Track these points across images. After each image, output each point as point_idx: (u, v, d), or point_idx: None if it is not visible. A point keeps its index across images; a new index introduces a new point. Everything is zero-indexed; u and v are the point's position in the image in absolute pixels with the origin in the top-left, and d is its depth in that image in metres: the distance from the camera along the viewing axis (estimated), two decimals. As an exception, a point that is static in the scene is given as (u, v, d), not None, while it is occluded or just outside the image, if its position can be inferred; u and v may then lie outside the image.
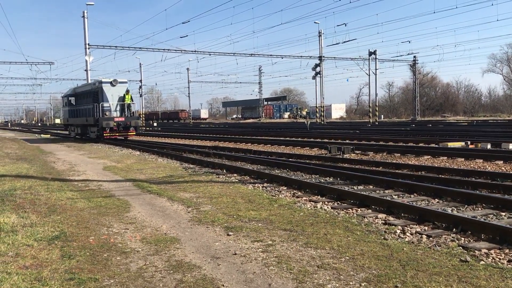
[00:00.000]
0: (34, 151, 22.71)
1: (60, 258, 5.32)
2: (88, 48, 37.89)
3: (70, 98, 34.08)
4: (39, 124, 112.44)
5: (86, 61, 38.49)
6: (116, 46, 40.77)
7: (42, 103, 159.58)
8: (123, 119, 28.01)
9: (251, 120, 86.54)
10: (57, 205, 8.51)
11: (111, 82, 27.92)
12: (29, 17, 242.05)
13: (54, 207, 8.32)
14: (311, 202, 8.40)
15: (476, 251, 5.22)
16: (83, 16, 37.50)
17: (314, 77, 53.87)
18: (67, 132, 40.44)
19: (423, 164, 12.97)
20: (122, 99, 28.37)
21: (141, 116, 66.41)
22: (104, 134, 27.43)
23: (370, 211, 7.62)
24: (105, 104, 27.83)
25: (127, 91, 28.73)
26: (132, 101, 29.13)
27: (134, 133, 29.24)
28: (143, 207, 8.28)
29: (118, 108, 28.31)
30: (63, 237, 6.25)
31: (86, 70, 39.31)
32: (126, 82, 29.21)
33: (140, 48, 42.57)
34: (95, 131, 28.69)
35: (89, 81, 41.29)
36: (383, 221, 6.82)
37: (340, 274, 4.60)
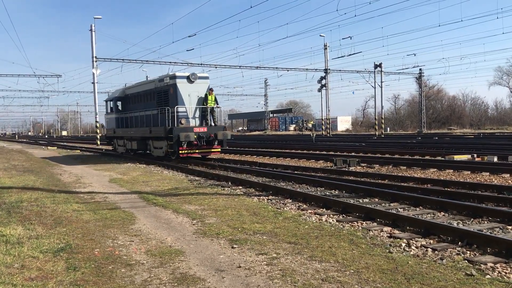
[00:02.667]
0: (40, 163, 22.83)
1: (65, 270, 5.34)
2: (96, 61, 38.20)
3: (117, 102, 26.66)
4: (46, 136, 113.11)
5: (93, 74, 38.77)
6: (123, 59, 41.10)
7: (49, 115, 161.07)
8: (205, 129, 20.02)
9: (256, 132, 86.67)
10: (63, 217, 8.55)
11: (188, 77, 20.21)
12: (37, 31, 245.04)
13: (60, 219, 8.36)
14: (316, 215, 8.38)
15: (481, 265, 5.19)
16: (91, 30, 37.90)
17: (319, 90, 54.00)
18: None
19: (429, 177, 12.92)
20: (202, 101, 20.52)
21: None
22: (180, 151, 19.51)
23: (375, 224, 7.59)
24: (181, 109, 19.97)
25: (211, 90, 20.66)
26: (217, 104, 21.11)
27: (219, 150, 21.03)
28: (148, 220, 8.30)
29: (197, 114, 20.56)
30: (68, 249, 6.27)
31: (93, 83, 39.61)
32: (207, 78, 21.24)
33: (147, 61, 42.89)
34: (163, 146, 20.89)
35: (96, 92, 41.46)
36: (388, 234, 6.80)
37: (345, 288, 4.58)
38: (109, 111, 28.01)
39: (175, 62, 42.06)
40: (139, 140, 23.58)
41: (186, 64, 41.20)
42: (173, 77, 20.53)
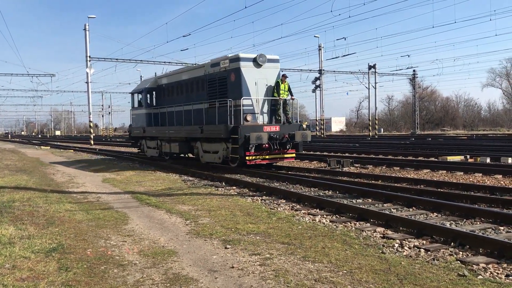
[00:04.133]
0: (33, 163, 22.70)
1: (57, 271, 5.30)
2: (89, 61, 38.05)
3: (148, 94, 21.66)
4: (39, 136, 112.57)
5: (87, 73, 38.63)
6: (117, 59, 40.96)
7: (43, 115, 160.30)
8: (277, 128, 15.63)
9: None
10: (56, 217, 8.50)
11: (254, 60, 15.70)
12: (31, 31, 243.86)
13: (52, 219, 8.31)
14: (310, 215, 8.38)
15: (474, 266, 5.21)
16: (85, 29, 37.75)
17: (314, 90, 54.10)
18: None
19: (422, 178, 12.97)
20: (272, 90, 15.99)
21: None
22: (247, 157, 15.01)
23: (368, 224, 7.60)
24: (246, 101, 15.46)
25: (283, 76, 16.24)
26: (291, 94, 16.58)
27: (294, 156, 16.64)
28: (141, 220, 8.27)
29: (265, 108, 16.01)
30: (60, 249, 6.23)
31: (87, 82, 39.46)
32: (278, 61, 16.57)
33: (141, 60, 42.79)
34: (219, 150, 16.19)
35: (90, 91, 41.19)
36: (382, 235, 6.81)
37: (338, 288, 4.58)
38: (136, 105, 22.80)
39: (169, 62, 41.99)
40: (182, 141, 18.63)
41: (181, 64, 41.12)
42: (236, 59, 15.71)
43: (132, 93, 23.43)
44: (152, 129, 21.15)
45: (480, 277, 4.82)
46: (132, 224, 7.94)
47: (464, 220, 7.64)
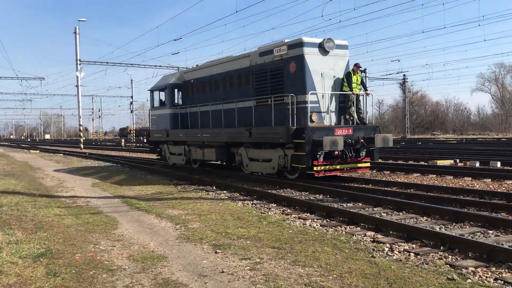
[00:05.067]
0: (22, 167, 22.50)
1: (45, 276, 5.24)
2: (80, 64, 37.85)
3: (173, 91, 18.84)
4: (29, 140, 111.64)
5: (77, 76, 38.40)
6: (107, 62, 40.78)
7: (32, 118, 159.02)
8: (350, 131, 12.85)
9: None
10: (44, 222, 8.42)
11: (320, 45, 12.88)
12: (20, 33, 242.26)
13: (40, 224, 8.23)
14: (300, 220, 8.38)
15: (463, 269, 5.23)
16: (75, 32, 37.56)
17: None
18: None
19: (412, 182, 13.02)
20: (340, 84, 13.31)
21: (132, 132, 66.30)
22: (315, 167, 12.28)
23: (358, 228, 7.61)
24: (311, 97, 12.68)
25: (356, 66, 13.49)
26: (365, 89, 13.95)
27: (369, 165, 13.79)
28: (131, 224, 8.21)
29: (333, 106, 13.23)
30: (49, 254, 6.17)
31: (77, 86, 39.20)
32: (347, 47, 13.72)
33: (131, 64, 42.61)
34: (273, 158, 13.49)
35: (80, 95, 40.94)
36: (372, 239, 6.82)
37: (328, 293, 4.57)
38: (156, 104, 19.94)
39: (160, 66, 41.89)
40: (220, 147, 15.92)
41: (172, 68, 41.03)
42: (298, 44, 12.77)
43: (152, 91, 20.28)
44: (178, 132, 18.18)
45: (469, 280, 4.85)
46: (121, 228, 7.88)
47: (454, 224, 7.67)
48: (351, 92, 13.19)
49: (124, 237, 7.22)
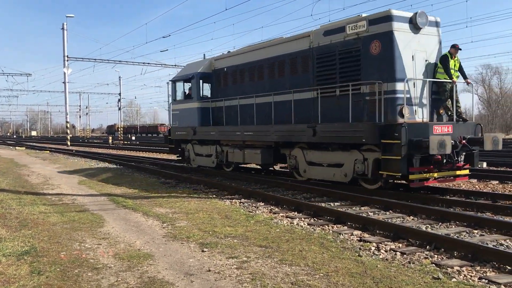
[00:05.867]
0: (7, 164, 22.24)
1: (29, 274, 5.18)
2: (67, 60, 37.52)
3: (202, 81, 16.40)
4: (15, 136, 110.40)
5: (65, 73, 38.07)
6: (95, 59, 40.50)
7: (18, 115, 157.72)
8: (449, 129, 10.32)
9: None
10: (29, 220, 8.32)
11: (411, 20, 10.39)
12: (6, 29, 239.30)
13: (25, 221, 8.13)
14: (288, 218, 8.39)
15: (448, 269, 5.27)
16: (63, 28, 37.21)
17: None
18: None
19: (400, 181, 13.08)
20: (433, 69, 10.78)
21: (119, 129, 65.90)
22: (410, 175, 9.79)
23: (346, 227, 7.64)
24: (401, 86, 9.98)
25: (454, 48, 10.85)
26: (466, 77, 11.34)
27: (468, 173, 11.07)
28: (117, 222, 8.15)
29: (425, 98, 10.61)
30: (33, 252, 6.09)
31: (64, 83, 38.86)
32: (439, 25, 11.08)
33: (120, 61, 42.38)
34: (344, 163, 11.04)
35: (67, 91, 40.55)
36: (358, 238, 6.85)
37: (314, 291, 4.58)
38: (179, 97, 17.51)
39: (148, 63, 41.71)
40: (266, 148, 13.61)
41: (160, 65, 40.88)
42: (385, 18, 10.24)
43: (174, 81, 17.70)
44: (210, 129, 15.60)
45: (454, 279, 4.88)
46: (107, 226, 7.82)
47: (440, 223, 7.73)
48: (451, 81, 10.54)
49: (110, 235, 7.17)
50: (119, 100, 64.14)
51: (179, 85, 17.47)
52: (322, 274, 5.09)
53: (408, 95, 10.12)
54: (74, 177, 15.92)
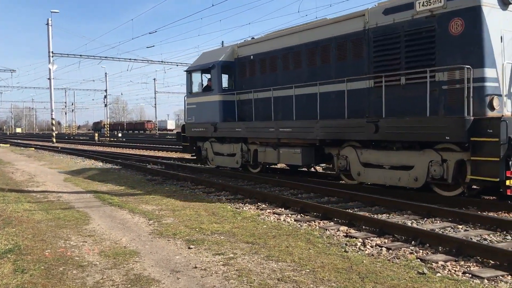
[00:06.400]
0: (-9, 161, 21.93)
1: (12, 273, 5.12)
2: (52, 56, 37.06)
3: (224, 71, 14.77)
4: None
5: (50, 69, 37.60)
6: (81, 55, 40.03)
7: (2, 111, 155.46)
8: None
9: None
10: (13, 217, 8.22)
11: None
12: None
13: (9, 219, 8.03)
14: (275, 215, 8.40)
15: (433, 264, 5.32)
16: (47, 24, 36.74)
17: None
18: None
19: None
20: None
21: (106, 126, 65.38)
22: (508, 180, 7.92)
23: (332, 223, 7.67)
24: (489, 71, 8.62)
25: None
26: None
27: None
28: (103, 220, 8.09)
29: None
30: (17, 250, 6.02)
31: (50, 79, 38.39)
32: None
33: (105, 57, 41.93)
34: (421, 165, 9.22)
35: (53, 88, 40.09)
36: (345, 234, 6.88)
37: (300, 287, 4.59)
38: (196, 89, 15.82)
39: (135, 59, 41.41)
40: (307, 146, 11.84)
41: (147, 61, 40.60)
42: None
43: (190, 72, 15.98)
44: (235, 125, 13.94)
45: (438, 274, 4.93)
46: (93, 224, 7.76)
47: (425, 219, 7.80)
48: None
49: (96, 233, 7.11)
50: (105, 96, 63.57)
51: (196, 76, 15.76)
52: (308, 270, 5.11)
53: (497, 84, 8.76)
54: (59, 174, 15.75)
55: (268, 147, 12.94)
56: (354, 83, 10.61)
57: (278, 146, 12.54)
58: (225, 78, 14.92)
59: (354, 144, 10.62)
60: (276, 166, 14.69)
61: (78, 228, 7.41)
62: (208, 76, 15.17)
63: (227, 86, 15.00)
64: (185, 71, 16.24)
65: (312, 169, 13.87)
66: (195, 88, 15.85)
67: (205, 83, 15.41)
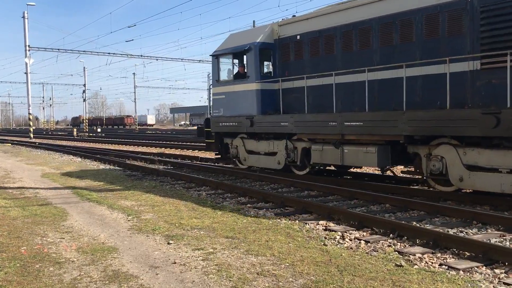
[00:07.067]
0: (-34, 157, 21.45)
1: (-13, 270, 5.01)
2: (29, 50, 36.34)
3: (262, 54, 12.72)
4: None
5: (26, 63, 36.88)
6: (58, 49, 39.39)
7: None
8: None
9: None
10: (-12, 214, 8.05)
11: None
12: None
13: (-16, 216, 7.87)
14: (255, 209, 8.40)
15: (410, 256, 5.39)
16: (23, 17, 35.99)
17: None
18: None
19: (365, 171, 13.31)
20: None
21: (84, 121, 64.53)
22: None
23: (312, 217, 7.71)
24: None
25: None
26: None
27: None
28: (81, 216, 7.98)
29: None
30: (-9, 248, 5.90)
31: (26, 73, 37.66)
32: None
33: (84, 51, 41.34)
34: None
35: (29, 82, 39.31)
36: (324, 227, 6.92)
37: (279, 281, 4.61)
38: (225, 77, 13.79)
39: (114, 53, 40.89)
40: (384, 145, 9.63)
41: (126, 56, 40.14)
42: None
43: (217, 56, 13.74)
44: (277, 119, 11.81)
45: (416, 266, 5.00)
46: (71, 220, 7.65)
47: (403, 212, 7.91)
48: None
49: (74, 229, 7.02)
50: (84, 91, 62.68)
51: (225, 61, 13.60)
52: (287, 264, 5.13)
53: None
54: (37, 170, 15.49)
55: (326, 145, 10.65)
56: (452, 65, 8.54)
57: (340, 143, 10.26)
58: (279, 59, 12.67)
59: (453, 142, 8.57)
60: (330, 168, 12.57)
61: (56, 225, 7.31)
62: (237, 61, 13.40)
63: (264, 72, 12.97)
64: (211, 55, 14.08)
65: (387, 172, 10.86)
66: (224, 76, 13.77)
67: (236, 69, 13.43)
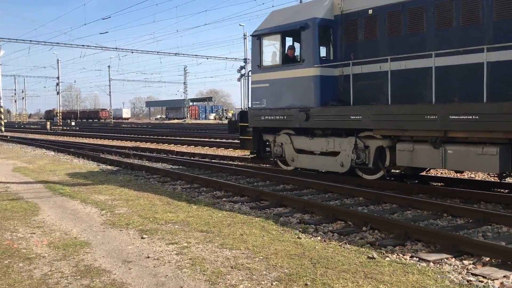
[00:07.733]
0: None
1: (-46, 267, 4.89)
2: (-1, 41, 35.43)
3: (324, 34, 10.53)
4: None
5: (-3, 55, 35.96)
6: (30, 40, 38.50)
7: None
8: None
9: (176, 121, 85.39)
10: (-44, 209, 7.85)
11: None
12: None
13: (-49, 212, 7.66)
14: (230, 203, 8.41)
15: (382, 248, 5.48)
16: (-6, 7, 35.05)
17: (239, 79, 54.17)
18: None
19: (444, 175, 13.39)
20: None
21: (58, 115, 63.37)
22: None
23: (287, 210, 7.76)
24: None
25: None
26: None
27: None
28: (53, 210, 7.85)
29: None
30: (-41, 244, 5.76)
31: (-3, 65, 36.73)
32: None
33: (57, 43, 40.54)
34: None
35: (0, 75, 38.32)
36: (298, 221, 6.97)
37: (253, 274, 4.63)
38: (270, 62, 11.72)
39: (88, 45, 40.23)
40: (506, 144, 7.59)
41: (100, 48, 39.50)
42: None
43: (259, 37, 11.69)
44: (346, 111, 9.74)
45: (387, 259, 5.08)
46: (43, 215, 7.52)
47: (376, 205, 8.02)
48: None
49: (45, 224, 6.90)
50: (57, 84, 61.47)
51: (270, 42, 11.51)
52: (261, 257, 5.15)
53: None
54: (7, 164, 15.15)
55: (419, 144, 8.63)
56: None
57: (442, 142, 8.27)
58: (344, 40, 10.55)
59: None
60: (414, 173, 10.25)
61: (27, 220, 7.17)
62: (300, 40, 10.89)
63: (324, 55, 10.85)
64: (252, 35, 12.01)
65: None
66: (268, 60, 11.65)
67: (286, 52, 11.38)
